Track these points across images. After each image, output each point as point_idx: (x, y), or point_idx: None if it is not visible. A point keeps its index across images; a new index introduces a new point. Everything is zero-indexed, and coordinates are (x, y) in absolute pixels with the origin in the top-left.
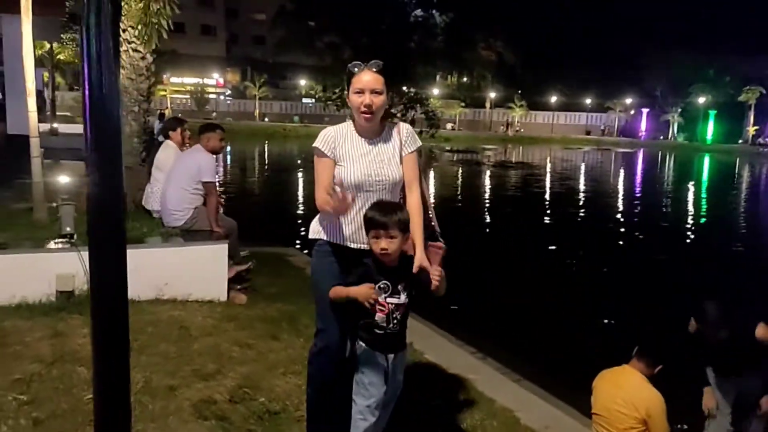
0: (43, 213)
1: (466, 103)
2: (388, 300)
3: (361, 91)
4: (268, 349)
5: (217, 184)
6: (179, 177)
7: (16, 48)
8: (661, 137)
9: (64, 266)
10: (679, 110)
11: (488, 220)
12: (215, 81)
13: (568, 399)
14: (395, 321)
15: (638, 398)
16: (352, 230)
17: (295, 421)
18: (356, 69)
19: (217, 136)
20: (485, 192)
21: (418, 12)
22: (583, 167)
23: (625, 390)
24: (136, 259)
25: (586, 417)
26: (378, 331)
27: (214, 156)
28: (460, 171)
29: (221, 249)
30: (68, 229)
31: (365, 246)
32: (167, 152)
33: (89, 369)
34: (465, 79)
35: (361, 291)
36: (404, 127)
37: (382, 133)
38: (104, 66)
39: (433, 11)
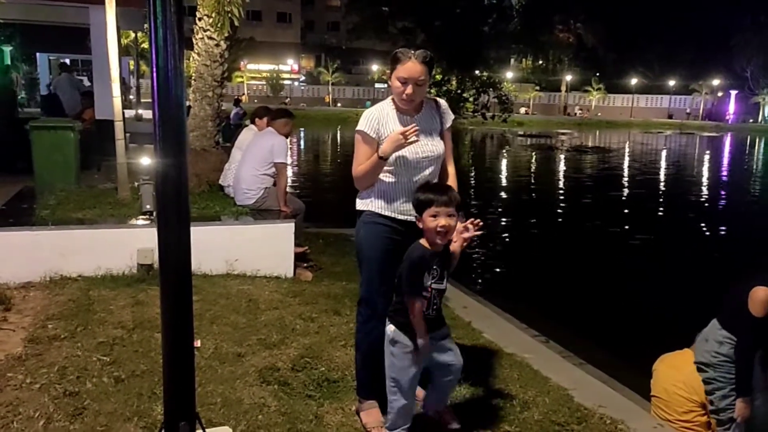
0: (127, 192)
1: (541, 86)
2: (434, 286)
3: (405, 81)
4: (329, 323)
5: (288, 165)
6: (253, 158)
7: (102, 37)
8: (751, 120)
9: (144, 241)
10: None
11: (561, 206)
12: (290, 67)
13: (628, 382)
14: (434, 307)
15: (698, 382)
16: (400, 202)
17: (352, 389)
18: (402, 56)
19: (290, 122)
20: (558, 177)
21: None
22: (663, 152)
23: (686, 374)
24: (210, 235)
25: (644, 399)
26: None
27: (287, 138)
28: (534, 156)
29: (289, 228)
30: (148, 206)
31: (412, 217)
32: (247, 134)
33: None
34: (540, 62)
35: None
36: (441, 102)
37: (422, 109)
38: (169, 51)
39: None
